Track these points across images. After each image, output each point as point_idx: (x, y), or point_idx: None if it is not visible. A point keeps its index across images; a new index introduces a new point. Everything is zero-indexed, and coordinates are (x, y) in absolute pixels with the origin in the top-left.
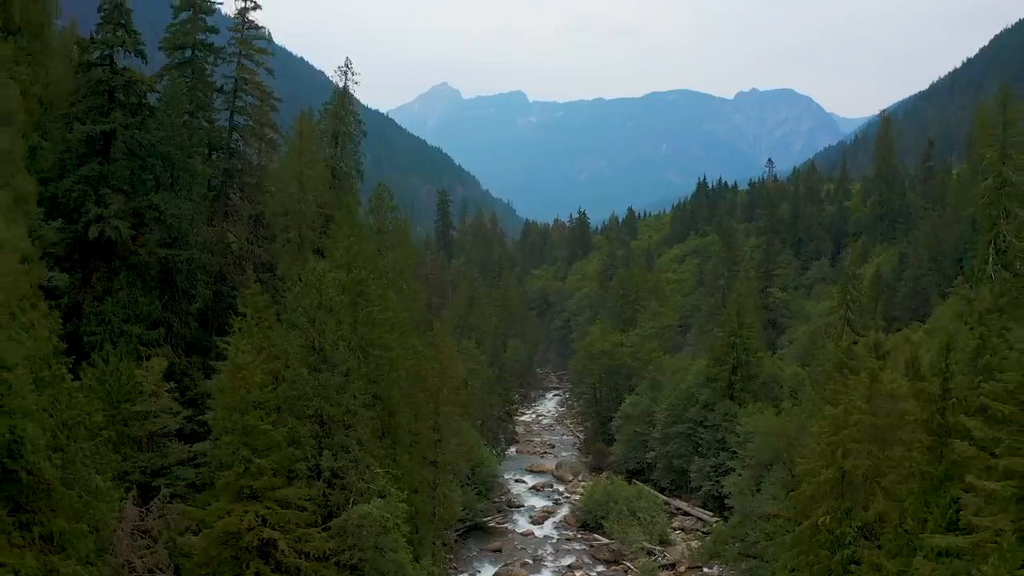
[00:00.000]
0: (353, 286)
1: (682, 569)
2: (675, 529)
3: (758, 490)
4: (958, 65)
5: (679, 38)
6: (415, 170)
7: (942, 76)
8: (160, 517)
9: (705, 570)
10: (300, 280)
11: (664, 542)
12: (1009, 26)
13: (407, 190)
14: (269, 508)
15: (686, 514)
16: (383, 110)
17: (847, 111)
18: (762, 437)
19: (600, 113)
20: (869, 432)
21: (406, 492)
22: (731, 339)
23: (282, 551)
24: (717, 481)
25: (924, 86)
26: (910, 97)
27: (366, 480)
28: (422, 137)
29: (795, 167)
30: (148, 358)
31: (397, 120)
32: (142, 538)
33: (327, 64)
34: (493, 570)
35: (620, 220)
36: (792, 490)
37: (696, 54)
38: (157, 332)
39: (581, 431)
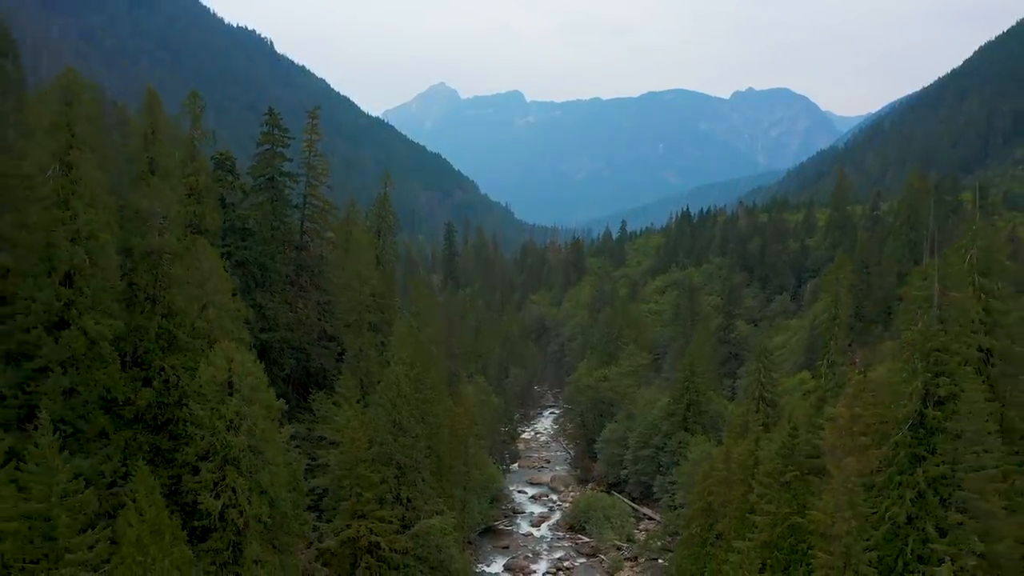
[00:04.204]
0: (416, 376)
1: (641, 560)
2: (641, 531)
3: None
4: (944, 73)
5: (675, 36)
6: (414, 175)
7: (928, 84)
8: (313, 530)
9: (660, 561)
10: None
11: (631, 540)
12: (992, 38)
13: (406, 195)
14: (373, 523)
15: (651, 519)
16: (381, 111)
17: (843, 110)
18: (685, 476)
19: (597, 113)
20: (723, 480)
21: (454, 513)
22: (686, 383)
23: (383, 549)
24: (673, 494)
25: (918, 86)
26: (898, 105)
27: (429, 505)
28: (420, 139)
29: (774, 194)
30: None
31: (395, 120)
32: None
33: (327, 67)
34: (503, 561)
35: (614, 234)
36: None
37: (692, 53)
38: None
39: (572, 448)
